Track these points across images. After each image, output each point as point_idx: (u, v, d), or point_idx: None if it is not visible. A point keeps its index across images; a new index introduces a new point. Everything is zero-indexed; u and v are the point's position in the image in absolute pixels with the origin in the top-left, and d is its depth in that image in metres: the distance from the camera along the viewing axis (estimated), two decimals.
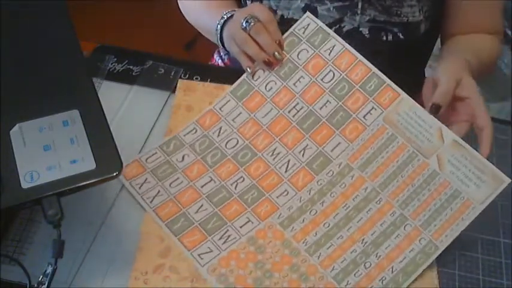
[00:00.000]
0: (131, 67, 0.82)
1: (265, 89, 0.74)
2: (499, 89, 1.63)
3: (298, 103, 0.73)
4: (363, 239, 0.64)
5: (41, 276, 0.56)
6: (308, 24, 0.75)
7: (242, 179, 0.69)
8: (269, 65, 0.74)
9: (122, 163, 0.58)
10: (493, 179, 0.64)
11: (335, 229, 0.65)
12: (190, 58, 1.77)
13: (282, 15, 0.86)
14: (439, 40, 0.95)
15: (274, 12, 0.87)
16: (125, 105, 0.77)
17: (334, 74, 0.73)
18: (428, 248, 0.63)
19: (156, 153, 0.71)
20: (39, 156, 0.57)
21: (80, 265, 0.62)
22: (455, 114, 0.70)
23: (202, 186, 0.68)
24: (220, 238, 0.64)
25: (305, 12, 0.85)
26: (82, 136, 0.59)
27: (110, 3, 1.94)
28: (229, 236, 0.65)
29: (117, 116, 0.75)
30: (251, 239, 0.65)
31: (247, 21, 0.73)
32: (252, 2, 0.88)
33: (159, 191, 0.68)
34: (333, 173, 0.68)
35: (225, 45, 0.80)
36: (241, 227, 0.65)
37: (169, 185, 0.68)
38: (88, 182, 0.56)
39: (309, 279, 0.62)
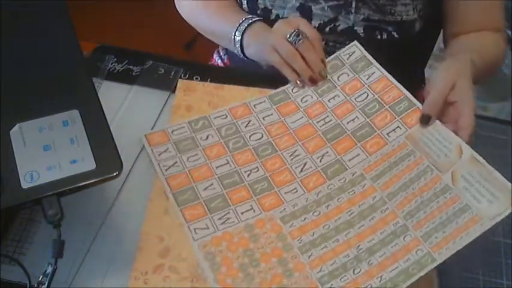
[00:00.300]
0: (131, 67, 0.82)
1: (301, 100, 0.77)
2: (499, 89, 1.63)
3: (328, 116, 0.75)
4: (359, 245, 0.63)
5: (41, 276, 0.56)
6: (353, 52, 0.79)
7: (257, 169, 0.70)
8: (314, 82, 0.77)
9: (121, 163, 0.58)
10: (508, 196, 0.62)
11: (333, 232, 0.65)
12: (190, 58, 1.78)
13: (277, 14, 0.86)
14: (439, 40, 0.95)
15: (270, 11, 0.87)
16: (125, 105, 0.77)
17: (368, 95, 0.76)
18: (425, 260, 0.61)
19: (183, 127, 0.74)
20: (39, 156, 0.57)
21: (80, 265, 0.62)
22: (442, 117, 0.70)
23: (217, 167, 0.70)
24: (219, 218, 0.66)
25: (300, 11, 0.85)
26: (82, 136, 0.59)
27: (110, 3, 1.94)
28: (228, 219, 0.66)
29: (117, 116, 0.75)
30: (249, 226, 0.65)
31: (296, 35, 0.75)
32: (247, 2, 0.88)
33: (176, 162, 0.70)
34: (345, 180, 0.69)
35: (249, 51, 0.82)
36: (242, 213, 0.66)
37: (187, 159, 0.70)
38: (88, 182, 0.56)
39: (293, 275, 0.62)
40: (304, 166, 0.71)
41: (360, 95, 0.76)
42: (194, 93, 0.78)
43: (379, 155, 0.70)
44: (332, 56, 0.80)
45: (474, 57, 0.75)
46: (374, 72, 0.77)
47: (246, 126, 0.75)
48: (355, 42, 0.80)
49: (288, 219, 0.66)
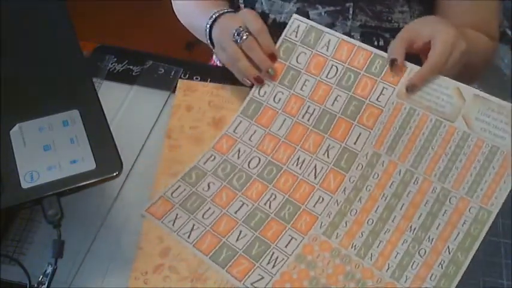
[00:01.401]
0: (131, 67, 0.82)
1: (274, 101, 0.73)
2: (499, 89, 1.63)
3: (309, 106, 0.72)
4: (411, 226, 0.62)
5: (41, 276, 0.56)
6: (298, 26, 0.75)
7: (274, 196, 0.67)
8: (260, 82, 0.74)
9: (122, 163, 0.58)
10: None
11: (380, 224, 0.63)
12: (190, 58, 1.77)
13: (275, 19, 0.86)
14: None
15: (267, 16, 0.87)
16: (125, 105, 0.77)
17: (337, 68, 0.72)
18: (482, 216, 0.60)
19: (180, 186, 0.69)
20: (39, 156, 0.57)
21: (80, 265, 0.62)
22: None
23: (236, 212, 0.66)
24: (268, 262, 0.62)
25: None
26: (82, 136, 0.59)
27: (110, 3, 1.94)
28: (276, 259, 0.63)
29: (117, 116, 0.75)
30: (299, 256, 0.63)
31: (238, 34, 0.72)
32: (244, 5, 0.87)
33: (194, 225, 0.65)
34: (363, 166, 0.66)
35: (215, 49, 0.79)
36: (286, 246, 0.63)
37: (203, 217, 0.66)
38: (88, 182, 0.56)
39: (366, 283, 0.60)
40: (315, 170, 0.68)
41: (329, 71, 0.72)
42: (194, 93, 0.78)
43: (380, 124, 0.68)
44: (279, 41, 0.75)
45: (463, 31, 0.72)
46: (330, 40, 0.73)
47: (238, 158, 0.71)
48: (295, 15, 0.75)
49: (331, 231, 0.64)
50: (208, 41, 0.80)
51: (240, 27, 0.73)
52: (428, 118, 0.66)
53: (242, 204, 0.67)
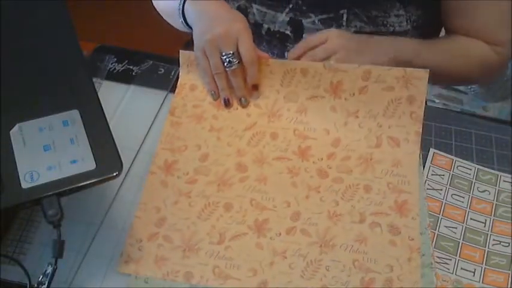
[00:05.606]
0: (131, 67, 0.82)
1: None
2: (499, 89, 1.63)
3: None
4: None
5: (41, 276, 0.56)
6: None
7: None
8: (228, 105, 0.75)
9: (122, 163, 0.57)
10: None
11: None
12: None
13: (269, 28, 0.86)
14: None
15: (260, 25, 0.86)
16: (125, 105, 0.77)
17: None
18: None
19: None
20: (39, 156, 0.57)
21: (80, 265, 0.62)
22: None
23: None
24: None
25: (290, 25, 0.83)
26: (82, 136, 0.59)
27: (110, 3, 1.94)
28: None
29: (116, 116, 0.75)
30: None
31: (230, 62, 0.72)
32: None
33: None
34: None
35: (190, 20, 0.80)
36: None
37: None
38: (88, 182, 0.56)
39: None
40: None
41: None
42: (197, 66, 0.78)
43: None
44: None
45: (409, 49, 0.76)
46: None
47: None
48: None
49: None
50: (181, 19, 0.81)
51: (233, 53, 0.72)
52: None
53: None
